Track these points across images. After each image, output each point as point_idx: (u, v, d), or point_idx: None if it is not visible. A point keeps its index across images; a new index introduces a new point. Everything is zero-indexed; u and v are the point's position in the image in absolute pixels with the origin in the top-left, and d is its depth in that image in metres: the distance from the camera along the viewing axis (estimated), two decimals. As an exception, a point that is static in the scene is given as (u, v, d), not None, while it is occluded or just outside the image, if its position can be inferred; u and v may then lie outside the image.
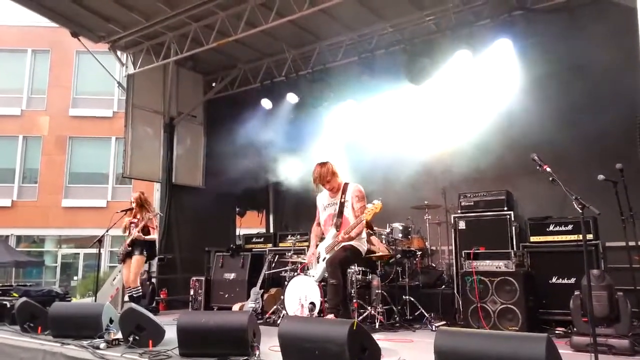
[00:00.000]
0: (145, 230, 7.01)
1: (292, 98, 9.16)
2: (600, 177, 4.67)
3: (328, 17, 7.96)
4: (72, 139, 21.27)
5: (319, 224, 5.35)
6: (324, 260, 4.95)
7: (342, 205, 4.95)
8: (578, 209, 3.65)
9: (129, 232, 7.03)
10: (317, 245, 5.27)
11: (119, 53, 9.25)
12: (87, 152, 21.53)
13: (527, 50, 7.04)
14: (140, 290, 7.11)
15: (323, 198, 5.26)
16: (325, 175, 4.97)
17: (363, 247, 5.03)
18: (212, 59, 9.62)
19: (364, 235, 5.02)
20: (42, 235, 21.46)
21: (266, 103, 9.45)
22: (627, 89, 5.72)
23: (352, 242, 4.87)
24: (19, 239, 20.97)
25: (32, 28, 20.72)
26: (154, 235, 7.13)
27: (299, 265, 6.77)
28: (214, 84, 10.41)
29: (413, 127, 8.26)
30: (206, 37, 8.14)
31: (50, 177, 20.72)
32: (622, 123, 6.47)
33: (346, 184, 5.09)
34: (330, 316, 4.53)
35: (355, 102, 8.81)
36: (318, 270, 5.07)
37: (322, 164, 5.07)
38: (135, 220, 7.07)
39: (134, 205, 7.15)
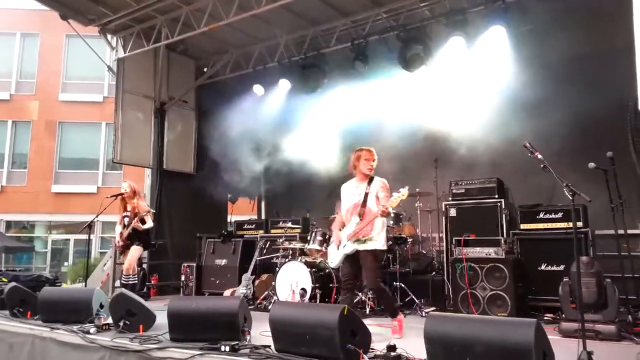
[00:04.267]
0: (141, 220, 6.90)
1: (284, 84, 9.08)
2: (591, 165, 4.69)
3: (321, 2, 7.89)
4: (62, 124, 21.03)
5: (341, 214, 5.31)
6: (344, 247, 4.95)
7: (366, 195, 4.96)
8: (569, 195, 3.65)
9: (124, 226, 6.96)
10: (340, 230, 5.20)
11: (109, 37, 9.11)
12: (77, 137, 21.27)
13: (521, 38, 7.02)
14: (136, 278, 7.07)
15: (349, 187, 5.21)
16: (374, 159, 5.02)
17: (383, 241, 4.99)
18: (204, 43, 9.51)
19: (384, 230, 5.00)
20: (32, 221, 21.30)
21: (258, 89, 9.38)
22: (619, 77, 5.73)
23: (373, 247, 4.83)
24: (8, 224, 20.79)
25: (21, 11, 20.38)
26: (149, 224, 6.98)
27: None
28: (205, 69, 10.30)
29: (405, 114, 8.23)
30: (197, 21, 8.03)
31: (40, 162, 20.50)
32: (613, 111, 6.51)
33: (372, 177, 5.10)
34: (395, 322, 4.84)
35: (348, 89, 8.76)
36: (338, 256, 5.05)
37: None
38: (128, 213, 6.98)
39: (127, 191, 6.99)
